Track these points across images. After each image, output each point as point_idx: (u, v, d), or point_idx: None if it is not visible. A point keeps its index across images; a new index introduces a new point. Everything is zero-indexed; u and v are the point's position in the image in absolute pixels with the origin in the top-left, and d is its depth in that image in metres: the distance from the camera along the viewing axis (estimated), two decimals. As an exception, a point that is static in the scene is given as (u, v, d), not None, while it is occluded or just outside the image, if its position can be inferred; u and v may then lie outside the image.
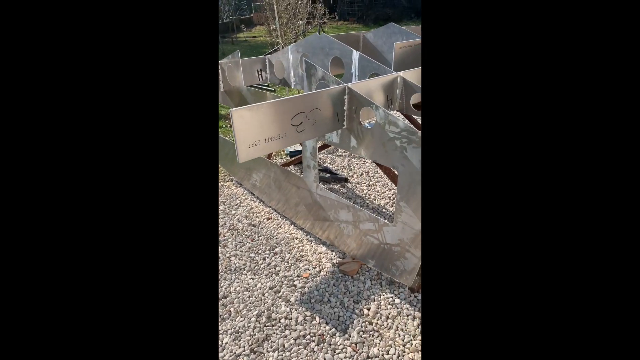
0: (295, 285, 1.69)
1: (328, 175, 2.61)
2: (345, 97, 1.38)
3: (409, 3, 12.55)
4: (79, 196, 0.51)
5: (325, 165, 2.84)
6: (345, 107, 1.40)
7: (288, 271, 1.78)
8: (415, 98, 1.64)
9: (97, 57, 0.53)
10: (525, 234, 0.53)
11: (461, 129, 0.56)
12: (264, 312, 1.55)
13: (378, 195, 2.42)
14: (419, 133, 1.20)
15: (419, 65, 2.26)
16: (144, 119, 0.55)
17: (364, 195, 2.44)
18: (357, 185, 2.56)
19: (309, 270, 1.78)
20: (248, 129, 1.11)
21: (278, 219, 2.21)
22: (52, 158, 0.50)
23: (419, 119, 2.24)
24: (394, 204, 1.96)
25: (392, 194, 2.43)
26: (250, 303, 1.61)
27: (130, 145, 0.54)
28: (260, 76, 2.43)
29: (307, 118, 1.29)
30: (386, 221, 1.50)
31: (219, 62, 2.18)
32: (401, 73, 1.62)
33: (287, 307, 1.57)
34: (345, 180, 2.61)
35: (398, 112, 1.85)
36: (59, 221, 0.50)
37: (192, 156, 0.57)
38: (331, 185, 2.56)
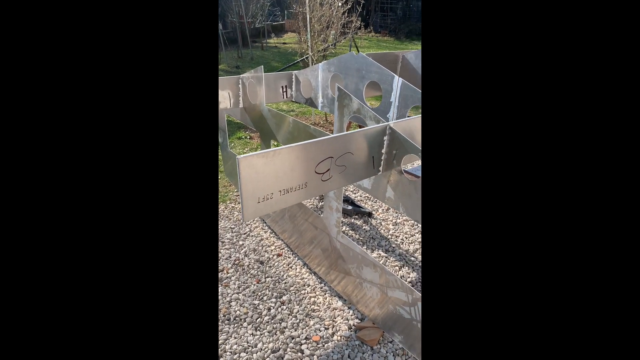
0: (302, 351, 1.41)
1: (350, 207, 2.33)
2: (385, 138, 1.10)
3: (445, 19, 12.11)
4: (68, 206, 0.50)
5: (347, 194, 2.56)
6: (383, 151, 1.13)
7: (295, 330, 1.51)
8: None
9: (91, 61, 0.51)
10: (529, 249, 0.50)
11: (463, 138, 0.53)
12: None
13: (406, 237, 2.12)
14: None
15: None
16: (135, 127, 0.52)
17: (389, 236, 2.13)
18: (382, 223, 2.26)
19: (320, 331, 1.50)
20: (259, 179, 0.85)
21: (289, 257, 1.94)
22: (34, 168, 0.49)
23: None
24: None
25: (422, 238, 2.11)
26: (246, 372, 1.34)
27: (118, 153, 0.52)
28: (285, 93, 2.19)
29: (336, 164, 1.02)
30: (423, 296, 1.20)
31: (240, 76, 1.96)
32: (453, 109, 1.33)
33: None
34: (369, 215, 2.32)
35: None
36: (40, 234, 0.49)
37: (189, 172, 0.55)
38: (352, 219, 2.28)
